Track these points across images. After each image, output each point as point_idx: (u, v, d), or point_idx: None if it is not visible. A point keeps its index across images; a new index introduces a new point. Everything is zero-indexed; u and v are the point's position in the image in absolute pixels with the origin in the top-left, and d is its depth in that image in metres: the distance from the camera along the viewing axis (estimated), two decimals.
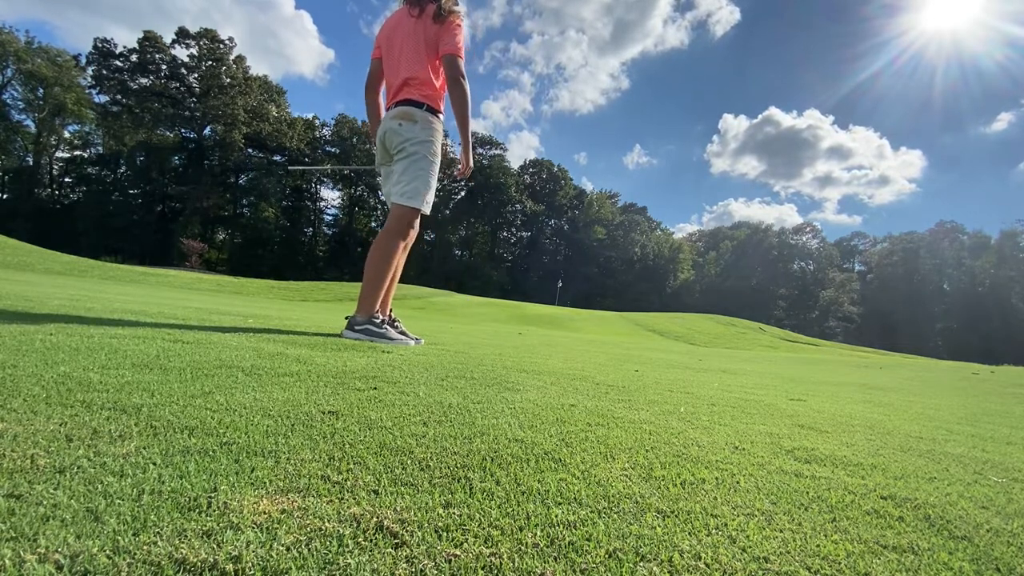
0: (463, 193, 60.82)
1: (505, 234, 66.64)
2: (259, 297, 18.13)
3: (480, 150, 63.11)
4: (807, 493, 0.83)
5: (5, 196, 44.11)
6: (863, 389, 3.26)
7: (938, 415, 2.16)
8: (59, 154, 46.21)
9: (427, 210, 2.65)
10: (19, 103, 41.90)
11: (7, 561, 0.42)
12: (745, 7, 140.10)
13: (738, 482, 0.85)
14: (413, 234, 2.70)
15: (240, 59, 47.92)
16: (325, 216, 57.89)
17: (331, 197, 61.15)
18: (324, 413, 1.00)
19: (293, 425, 0.89)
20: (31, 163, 44.46)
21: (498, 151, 63.55)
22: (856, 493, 0.86)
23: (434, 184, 2.66)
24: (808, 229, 75.11)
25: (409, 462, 0.77)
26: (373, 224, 58.31)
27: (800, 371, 4.89)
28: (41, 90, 41.29)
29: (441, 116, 2.68)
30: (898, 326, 60.00)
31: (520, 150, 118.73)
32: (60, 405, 0.85)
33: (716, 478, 0.86)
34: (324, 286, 25.42)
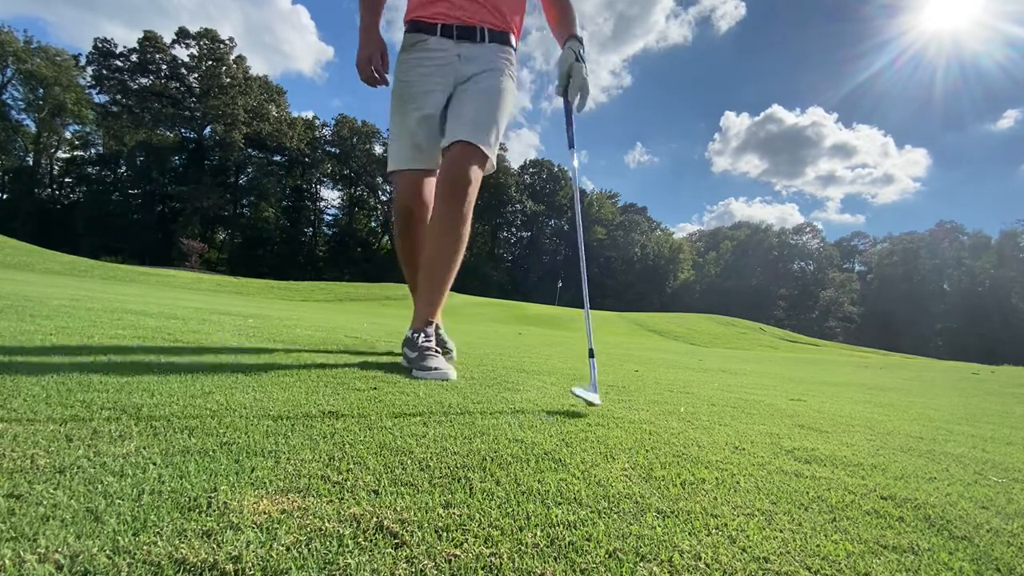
0: None
1: (505, 234, 66.65)
2: (259, 297, 18.12)
3: None
4: (807, 493, 0.83)
5: (5, 196, 44.10)
6: (863, 389, 3.26)
7: (938, 415, 2.16)
8: (59, 154, 46.26)
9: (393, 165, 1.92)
10: (19, 103, 41.92)
11: (7, 561, 0.42)
12: (751, 1, 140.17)
13: (738, 482, 0.85)
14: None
15: (240, 59, 47.98)
16: (325, 216, 57.94)
17: (331, 197, 61.30)
18: (324, 413, 1.00)
19: (293, 425, 0.89)
20: (31, 163, 44.46)
21: (498, 151, 63.53)
22: (856, 493, 0.86)
23: (395, 133, 1.92)
24: (808, 229, 75.20)
25: (409, 462, 0.77)
26: (373, 224, 58.30)
27: (800, 371, 4.89)
28: (41, 90, 41.27)
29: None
30: (898, 326, 59.99)
31: (520, 148, 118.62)
32: (60, 405, 0.85)
33: (716, 478, 0.86)
34: (324, 286, 25.42)
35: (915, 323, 60.48)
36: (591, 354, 1.50)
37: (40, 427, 0.74)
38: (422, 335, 1.74)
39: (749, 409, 1.71)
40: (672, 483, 0.81)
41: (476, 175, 1.79)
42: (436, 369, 1.60)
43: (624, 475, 0.82)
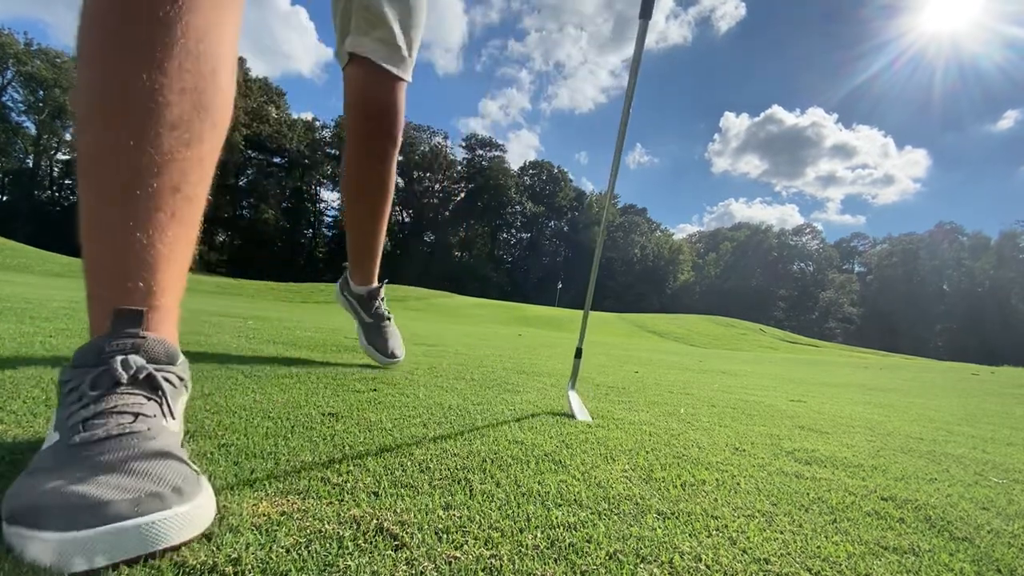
0: (463, 195, 60.89)
1: (505, 235, 66.70)
2: (259, 299, 18.12)
3: (479, 151, 63.22)
4: (807, 494, 0.83)
5: (5, 198, 44.13)
6: (863, 390, 3.26)
7: (938, 416, 2.16)
8: (59, 156, 46.26)
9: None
10: (19, 105, 41.97)
11: (6, 564, 0.42)
12: (751, 2, 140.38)
13: (739, 484, 0.85)
14: None
15: (240, 61, 48.03)
16: (325, 218, 57.97)
17: (331, 198, 61.28)
18: (324, 415, 1.00)
19: (293, 427, 0.89)
20: (31, 165, 44.49)
21: (497, 152, 63.67)
22: (857, 494, 0.86)
23: None
24: (808, 230, 75.39)
25: (409, 464, 0.77)
26: None
27: (800, 372, 4.89)
28: (41, 92, 41.32)
29: None
30: (898, 327, 60.03)
31: (519, 149, 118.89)
32: None
33: (716, 479, 0.86)
34: (324, 288, 25.41)
35: (915, 324, 60.52)
36: (578, 354, 1.49)
37: (40, 429, 0.73)
38: (378, 300, 1.66)
39: (749, 410, 1.71)
40: (672, 484, 0.80)
41: (401, 105, 1.44)
42: (395, 357, 1.60)
43: (624, 476, 0.82)
